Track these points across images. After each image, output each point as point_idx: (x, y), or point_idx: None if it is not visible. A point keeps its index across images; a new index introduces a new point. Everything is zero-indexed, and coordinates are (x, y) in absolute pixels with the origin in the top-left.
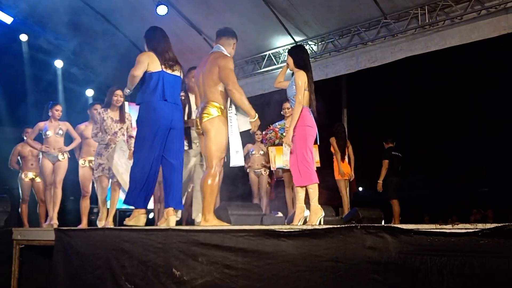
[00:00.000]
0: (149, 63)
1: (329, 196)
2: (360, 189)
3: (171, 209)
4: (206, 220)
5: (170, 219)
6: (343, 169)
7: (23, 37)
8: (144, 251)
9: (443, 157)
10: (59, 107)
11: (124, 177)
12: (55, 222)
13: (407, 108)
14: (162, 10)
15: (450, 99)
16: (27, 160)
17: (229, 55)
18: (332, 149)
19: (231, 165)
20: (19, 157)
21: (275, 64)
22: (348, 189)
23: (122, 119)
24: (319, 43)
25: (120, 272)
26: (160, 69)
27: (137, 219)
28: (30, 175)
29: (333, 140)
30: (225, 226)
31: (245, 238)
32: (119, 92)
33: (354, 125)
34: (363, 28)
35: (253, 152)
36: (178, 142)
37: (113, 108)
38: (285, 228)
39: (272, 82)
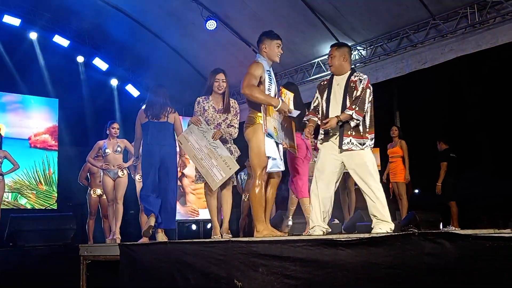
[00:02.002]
0: None
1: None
2: (416, 191)
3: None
4: (257, 230)
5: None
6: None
7: (80, 59)
8: (206, 263)
9: (497, 156)
10: (115, 125)
11: (204, 164)
12: (117, 237)
13: (458, 108)
14: (211, 25)
15: (502, 96)
16: (96, 177)
17: (261, 61)
18: (393, 152)
19: (266, 170)
20: (88, 174)
21: (324, 71)
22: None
23: (227, 108)
24: (368, 48)
25: (184, 284)
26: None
27: None
28: (98, 191)
29: (403, 144)
30: (278, 235)
31: (303, 248)
32: (221, 76)
33: (407, 127)
34: (411, 30)
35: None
36: None
37: (215, 95)
38: (343, 237)
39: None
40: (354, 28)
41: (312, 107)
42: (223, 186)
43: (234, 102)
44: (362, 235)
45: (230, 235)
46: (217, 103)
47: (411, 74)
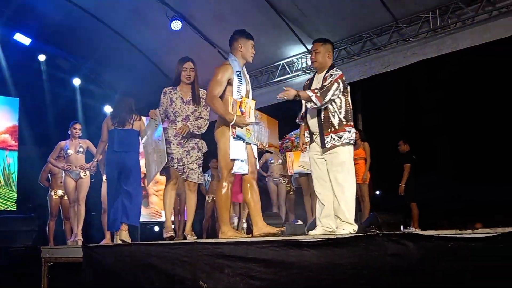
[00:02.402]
0: None
1: None
2: (378, 192)
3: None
4: (222, 232)
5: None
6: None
7: (41, 57)
8: (171, 265)
9: (458, 160)
10: (77, 126)
11: (150, 158)
12: (79, 239)
13: (418, 111)
14: (176, 25)
15: (463, 100)
16: (57, 178)
17: (231, 62)
18: (356, 154)
19: (232, 171)
20: (49, 175)
21: (289, 73)
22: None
23: (196, 99)
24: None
25: (149, 287)
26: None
27: None
28: (60, 192)
29: (366, 146)
30: (243, 237)
31: (269, 249)
32: (189, 64)
33: (369, 130)
34: (375, 34)
35: (272, 161)
36: None
37: (183, 85)
38: (308, 238)
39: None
40: (319, 30)
41: (300, 113)
42: (189, 187)
43: (204, 93)
44: (327, 236)
45: (195, 237)
46: (186, 94)
47: (374, 77)
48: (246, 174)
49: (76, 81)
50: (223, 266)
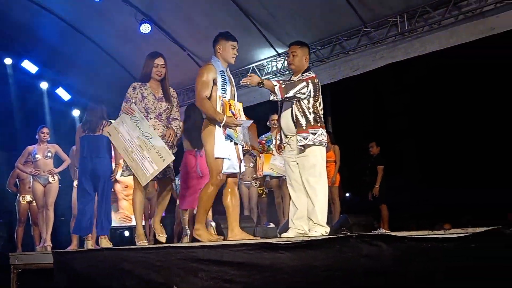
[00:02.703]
0: None
1: None
2: (347, 195)
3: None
4: (195, 228)
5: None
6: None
7: (8, 61)
8: (144, 270)
9: (424, 164)
10: (45, 130)
11: (134, 157)
12: (48, 244)
13: (386, 115)
14: (145, 28)
15: (430, 102)
16: (26, 183)
17: (214, 63)
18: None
19: (222, 171)
20: (17, 180)
21: (260, 76)
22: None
23: (167, 97)
24: None
25: None
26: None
27: None
28: (28, 198)
29: (336, 148)
30: (213, 240)
31: (243, 252)
32: (160, 60)
33: (339, 133)
34: (344, 37)
35: (244, 164)
36: None
37: (153, 82)
38: (282, 240)
39: (257, 94)
40: (289, 34)
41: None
42: (163, 187)
43: (174, 91)
44: (301, 238)
45: (165, 235)
46: (156, 90)
47: (343, 80)
48: (237, 173)
49: (44, 85)
50: (197, 270)
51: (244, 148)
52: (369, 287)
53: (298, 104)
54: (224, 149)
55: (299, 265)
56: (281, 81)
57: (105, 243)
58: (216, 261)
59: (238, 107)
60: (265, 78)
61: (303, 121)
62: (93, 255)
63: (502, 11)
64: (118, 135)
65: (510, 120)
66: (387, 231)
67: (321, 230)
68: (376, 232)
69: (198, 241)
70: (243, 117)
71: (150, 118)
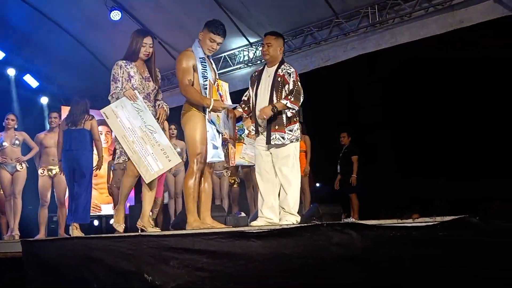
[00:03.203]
0: None
1: None
2: (318, 185)
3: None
4: (187, 222)
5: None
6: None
7: None
8: (115, 258)
9: (398, 155)
10: (10, 116)
11: (136, 148)
12: (16, 233)
13: (358, 106)
14: (115, 15)
15: (401, 94)
16: None
17: (194, 49)
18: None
19: (208, 160)
20: None
21: (231, 66)
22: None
23: (154, 78)
24: None
25: (94, 281)
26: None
27: None
28: None
29: (307, 139)
30: (208, 227)
31: (215, 240)
32: (149, 39)
33: (310, 123)
34: (315, 28)
35: None
36: None
37: (139, 61)
38: (254, 229)
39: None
40: (261, 23)
41: (242, 100)
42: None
43: (158, 71)
44: (273, 227)
45: (157, 228)
46: (142, 70)
47: (314, 70)
48: (222, 160)
49: (11, 71)
50: (169, 258)
51: (223, 137)
52: (340, 273)
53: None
54: (212, 135)
55: (271, 253)
56: (288, 96)
57: (76, 232)
58: (188, 249)
59: (225, 88)
60: (236, 68)
61: (283, 119)
62: (63, 244)
63: (471, 4)
64: (116, 119)
65: (479, 110)
66: (356, 221)
67: (292, 219)
68: (347, 221)
69: None
70: (229, 99)
71: (146, 108)
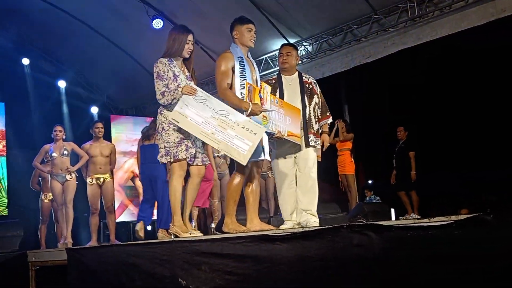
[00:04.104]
0: None
1: (335, 191)
2: (370, 182)
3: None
4: (224, 223)
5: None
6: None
7: (25, 61)
8: (151, 264)
9: (441, 145)
10: (58, 128)
11: (219, 138)
12: (69, 241)
13: (406, 99)
14: (157, 23)
15: (444, 87)
16: (47, 182)
17: (232, 50)
18: (342, 145)
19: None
20: (39, 178)
21: (272, 67)
22: (355, 183)
23: (194, 77)
24: (314, 43)
25: (131, 286)
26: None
27: None
28: (50, 196)
29: (352, 137)
30: (241, 231)
31: (242, 244)
32: (191, 37)
33: (356, 120)
34: (355, 25)
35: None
36: None
37: (178, 59)
38: (278, 232)
39: None
40: (300, 23)
41: None
42: (199, 171)
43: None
44: (296, 229)
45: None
46: (183, 69)
47: (356, 68)
48: (266, 160)
49: (62, 84)
50: (200, 263)
51: (275, 136)
52: (361, 274)
53: (314, 110)
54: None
55: (295, 256)
56: (327, 114)
57: (162, 235)
58: (217, 254)
59: (267, 90)
60: (277, 69)
61: (316, 126)
62: (103, 251)
63: None
64: (187, 119)
65: None
66: (418, 216)
67: (317, 220)
68: (403, 218)
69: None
70: (269, 102)
71: (209, 96)
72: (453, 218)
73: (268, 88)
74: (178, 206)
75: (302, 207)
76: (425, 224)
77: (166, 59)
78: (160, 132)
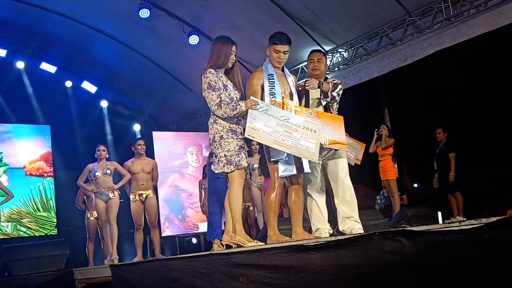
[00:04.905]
0: None
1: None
2: (415, 185)
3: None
4: (267, 235)
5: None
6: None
7: (68, 83)
8: (191, 277)
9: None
10: (101, 148)
11: (289, 143)
12: (115, 258)
13: (445, 100)
14: (193, 40)
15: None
16: (92, 200)
17: (264, 66)
18: (382, 150)
19: (279, 175)
20: (84, 197)
21: None
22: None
23: (239, 87)
24: (349, 49)
25: None
26: None
27: None
28: (95, 214)
29: (393, 143)
30: (284, 241)
31: (277, 255)
32: (235, 48)
33: (397, 123)
34: (389, 29)
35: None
36: None
37: (222, 70)
38: (312, 241)
39: None
40: (334, 30)
41: None
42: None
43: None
44: (329, 238)
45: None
46: (227, 79)
47: (393, 71)
48: (294, 174)
49: (104, 103)
50: (238, 274)
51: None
52: (394, 281)
53: (332, 107)
54: (277, 151)
55: (329, 265)
56: (328, 81)
57: (216, 247)
58: (254, 265)
59: (291, 106)
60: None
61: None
62: (145, 266)
63: None
64: (259, 132)
65: None
66: (464, 219)
67: (361, 226)
68: (448, 221)
69: None
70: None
71: (268, 105)
72: (483, 221)
73: (291, 103)
74: (240, 215)
75: (344, 216)
76: (455, 228)
77: (212, 69)
78: (218, 141)
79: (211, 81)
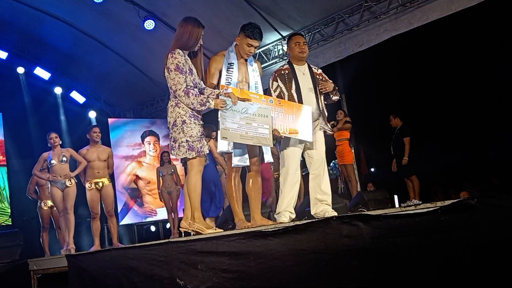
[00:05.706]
0: None
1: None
2: (372, 170)
3: None
4: (236, 224)
5: None
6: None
7: (20, 70)
8: (149, 266)
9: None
10: (52, 135)
11: (251, 134)
12: (72, 247)
13: (400, 85)
14: (149, 24)
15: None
16: (45, 189)
17: (228, 52)
18: (340, 135)
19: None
20: (36, 186)
21: (267, 61)
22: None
23: (201, 72)
24: (306, 35)
25: None
26: None
27: None
28: (49, 203)
29: (349, 127)
30: (247, 226)
31: (236, 241)
32: (203, 32)
33: (354, 108)
34: (346, 14)
35: None
36: None
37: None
38: (270, 227)
39: (265, 79)
40: (291, 16)
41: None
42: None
43: None
44: (287, 224)
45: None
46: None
47: (350, 57)
48: (247, 165)
49: (58, 90)
50: (197, 262)
51: (274, 134)
52: (353, 265)
53: (322, 99)
54: (224, 143)
55: (288, 250)
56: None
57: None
58: (212, 252)
59: (246, 93)
60: (272, 63)
61: (325, 113)
62: (102, 256)
63: None
64: (229, 131)
65: None
66: (419, 202)
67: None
68: (404, 204)
69: None
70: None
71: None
72: (439, 204)
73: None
74: (198, 202)
75: (318, 197)
76: (411, 212)
77: (182, 51)
78: (179, 125)
79: (179, 62)
